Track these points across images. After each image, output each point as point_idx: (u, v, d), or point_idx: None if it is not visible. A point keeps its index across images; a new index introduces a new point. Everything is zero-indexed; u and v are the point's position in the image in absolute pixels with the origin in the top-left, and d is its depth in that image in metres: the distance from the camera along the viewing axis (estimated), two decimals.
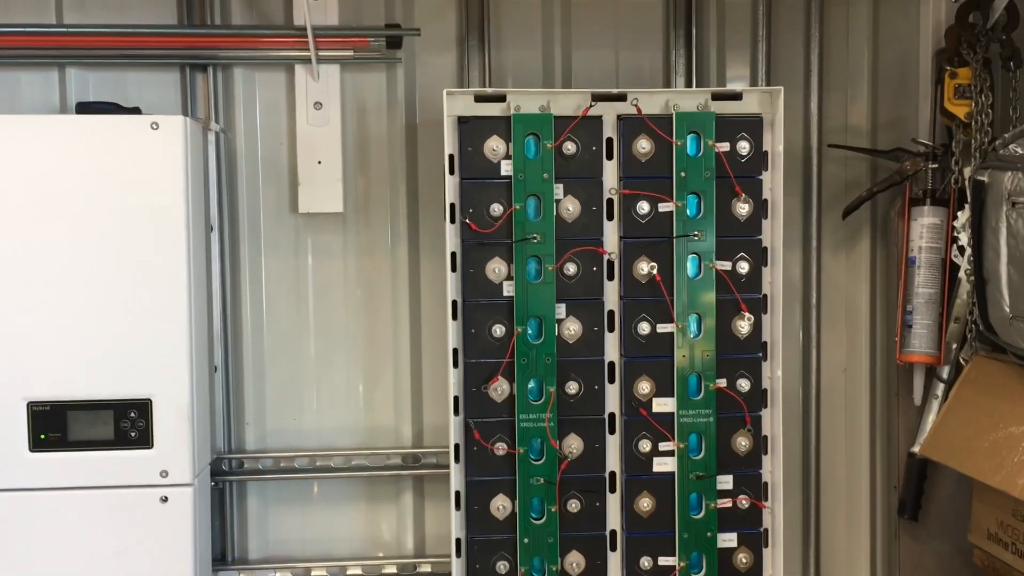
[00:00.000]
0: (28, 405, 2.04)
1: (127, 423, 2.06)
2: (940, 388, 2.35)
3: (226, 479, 2.39)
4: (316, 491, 2.46)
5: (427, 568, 2.43)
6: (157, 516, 2.07)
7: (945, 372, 2.34)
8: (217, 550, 2.39)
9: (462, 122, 2.06)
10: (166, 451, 2.07)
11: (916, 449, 2.37)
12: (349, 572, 2.42)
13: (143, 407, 2.06)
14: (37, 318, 2.03)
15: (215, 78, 2.36)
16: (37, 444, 2.04)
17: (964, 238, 2.23)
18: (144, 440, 2.06)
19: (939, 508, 2.43)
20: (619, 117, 2.08)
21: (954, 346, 2.33)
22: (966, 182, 2.19)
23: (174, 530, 2.08)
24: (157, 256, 2.04)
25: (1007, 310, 1.98)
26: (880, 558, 2.54)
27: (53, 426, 2.04)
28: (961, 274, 2.29)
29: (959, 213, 2.27)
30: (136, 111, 2.18)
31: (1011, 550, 2.09)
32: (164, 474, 2.07)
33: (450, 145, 2.07)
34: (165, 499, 2.07)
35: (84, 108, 2.18)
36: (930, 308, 2.32)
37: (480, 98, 2.08)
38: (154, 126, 2.03)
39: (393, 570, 2.43)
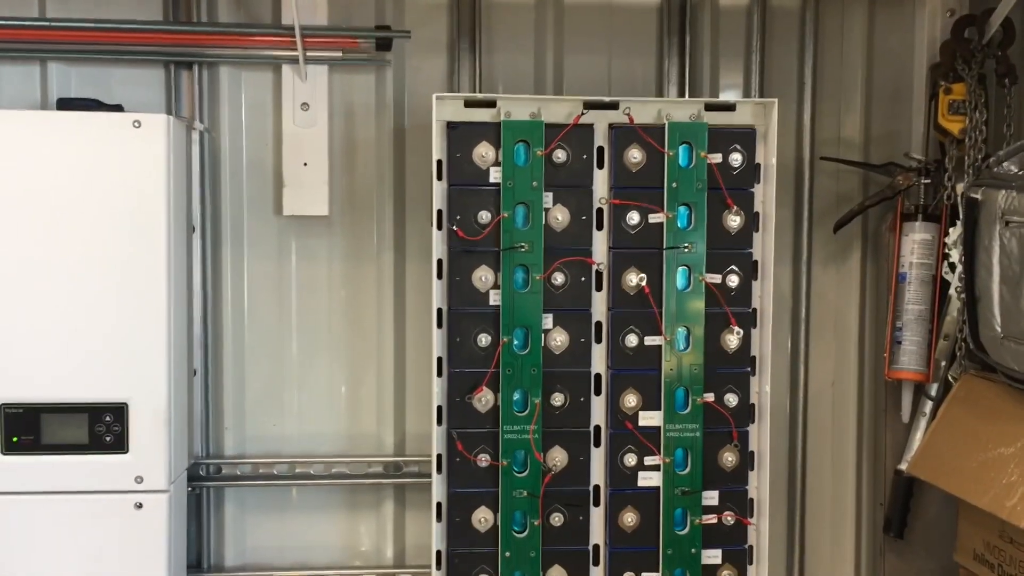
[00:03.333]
0: (1, 407, 1.99)
1: (102, 427, 2.01)
2: (928, 406, 2.33)
3: (203, 484, 2.35)
4: (295, 498, 2.42)
5: None
6: (131, 522, 2.03)
7: (933, 390, 2.32)
8: (193, 556, 2.35)
9: (451, 127, 2.03)
10: (142, 456, 2.03)
11: (903, 467, 2.35)
12: None
13: (119, 411, 2.01)
14: (11, 318, 1.99)
15: (200, 76, 2.31)
16: (10, 447, 2.00)
17: (955, 255, 2.21)
18: (119, 445, 2.02)
19: (925, 526, 2.41)
20: (611, 126, 2.05)
21: (943, 364, 2.31)
22: (959, 199, 2.17)
23: (148, 536, 2.04)
24: (136, 256, 2.00)
25: (998, 329, 1.96)
26: (865, 575, 2.51)
27: (26, 429, 2.00)
28: (952, 291, 2.27)
29: (951, 230, 2.25)
30: (119, 108, 2.14)
31: (997, 572, 2.07)
32: (139, 480, 2.03)
33: (438, 150, 2.04)
34: (140, 505, 2.03)
35: (65, 104, 2.13)
36: (920, 325, 2.30)
37: (470, 103, 2.05)
38: (136, 124, 1.99)
39: None
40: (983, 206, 1.99)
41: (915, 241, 2.31)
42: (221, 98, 2.34)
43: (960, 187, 2.21)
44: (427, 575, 2.14)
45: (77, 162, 1.99)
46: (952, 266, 2.24)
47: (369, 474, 2.39)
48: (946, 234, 2.28)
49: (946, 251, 2.27)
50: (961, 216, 2.10)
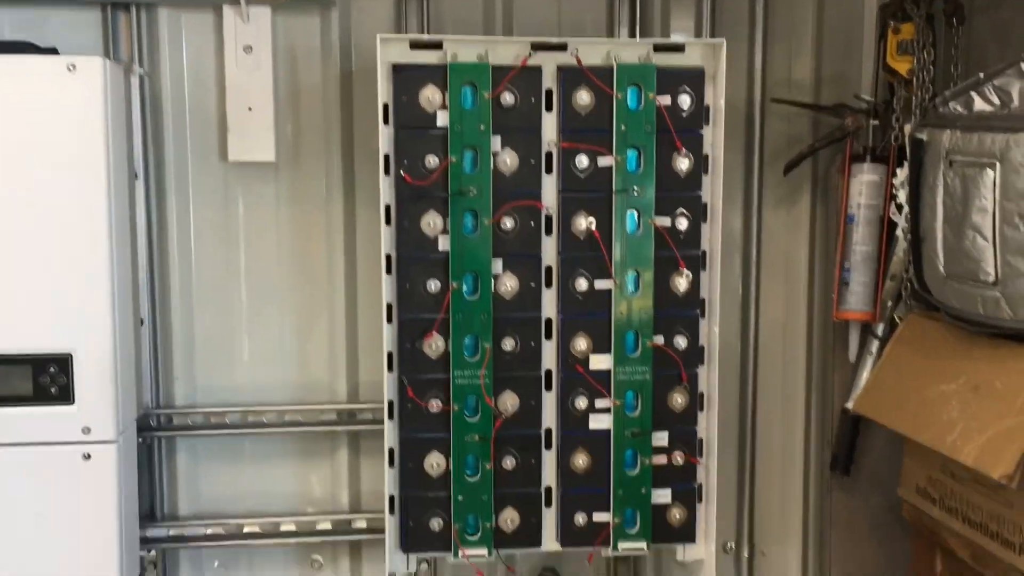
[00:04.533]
0: None
1: (47, 378, 1.98)
2: (875, 345, 2.36)
3: (155, 435, 2.33)
4: (248, 447, 2.40)
5: (362, 524, 2.40)
6: (80, 474, 2.01)
7: (880, 330, 2.35)
8: (146, 506, 2.34)
9: (397, 70, 2.00)
10: (88, 407, 2.00)
11: (850, 405, 2.39)
12: (283, 528, 2.38)
13: (63, 362, 1.98)
14: None
15: (139, 18, 2.24)
16: None
17: (903, 196, 2.23)
18: (65, 396, 1.99)
19: (871, 464, 2.46)
20: (559, 68, 2.03)
21: (889, 304, 2.34)
22: (906, 139, 2.18)
23: (98, 487, 2.02)
24: (76, 204, 1.95)
25: (941, 270, 1.98)
26: (812, 512, 2.57)
27: None
28: (899, 232, 2.28)
29: (899, 171, 2.27)
30: (53, 52, 2.06)
31: (939, 505, 2.12)
32: (86, 431, 2.01)
33: (384, 94, 2.00)
34: (88, 456, 2.01)
35: None
36: (867, 266, 2.33)
37: (416, 45, 2.02)
38: (71, 68, 1.93)
39: (327, 526, 2.40)
40: (928, 147, 2.00)
41: (863, 183, 2.32)
42: (161, 41, 2.27)
43: (908, 128, 2.21)
44: (381, 520, 2.15)
45: (11, 107, 1.92)
46: (899, 207, 2.26)
47: (322, 421, 2.39)
48: (894, 175, 2.29)
49: (894, 192, 2.29)
50: (908, 157, 2.11)
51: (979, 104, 1.92)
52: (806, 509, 2.57)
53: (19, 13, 2.21)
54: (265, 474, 2.41)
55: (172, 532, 2.34)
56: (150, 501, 2.36)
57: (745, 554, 2.53)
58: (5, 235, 1.94)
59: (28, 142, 1.93)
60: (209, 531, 2.36)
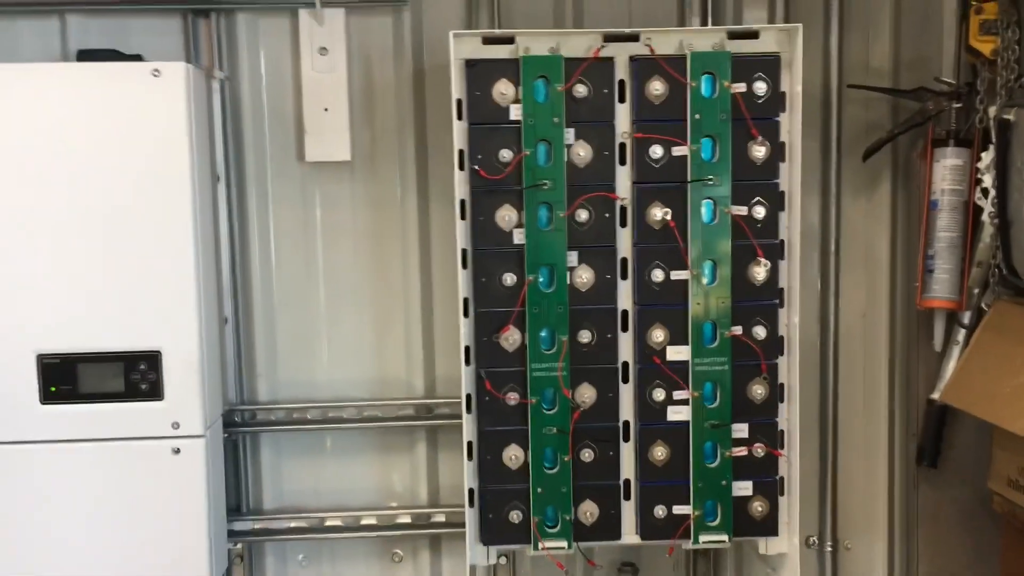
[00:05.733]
0: (38, 358, 2.03)
1: (137, 375, 2.05)
2: (961, 334, 2.30)
3: (239, 431, 2.39)
4: (329, 442, 2.45)
5: (441, 518, 2.42)
6: (169, 468, 2.07)
7: (966, 318, 2.29)
8: (232, 501, 2.39)
9: (470, 65, 2.01)
10: (177, 403, 2.06)
11: (936, 396, 2.34)
12: (363, 522, 2.42)
13: (153, 359, 2.04)
14: (44, 271, 2.02)
15: (218, 24, 2.30)
16: (48, 397, 2.04)
17: (988, 180, 2.17)
18: (155, 392, 2.05)
19: (958, 455, 2.40)
20: (631, 58, 2.02)
21: (976, 291, 2.27)
22: (991, 121, 2.12)
23: (187, 481, 2.09)
24: (162, 206, 2.02)
25: None
26: (898, 506, 2.51)
27: (64, 379, 2.04)
28: (984, 217, 2.22)
29: (983, 154, 2.20)
30: (138, 58, 2.13)
31: None
32: (176, 426, 2.07)
33: (458, 90, 2.02)
34: (177, 451, 2.07)
35: (85, 56, 2.13)
36: (952, 252, 2.27)
37: (488, 40, 2.03)
38: (156, 73, 1.99)
39: (407, 520, 2.43)
40: (1015, 127, 1.95)
41: (947, 167, 2.27)
42: (239, 45, 2.32)
43: (992, 110, 2.15)
44: (461, 514, 2.17)
45: (99, 113, 1.99)
46: (985, 191, 2.20)
47: (401, 416, 2.42)
48: (978, 159, 2.23)
49: (978, 176, 2.22)
50: (993, 139, 2.05)
51: None
52: (891, 502, 2.52)
53: (104, 22, 2.28)
54: (346, 469, 2.45)
55: (257, 526, 2.40)
56: (236, 496, 2.41)
57: (828, 548, 2.49)
58: (96, 237, 2.01)
59: (115, 147, 2.00)
60: (293, 524, 2.41)
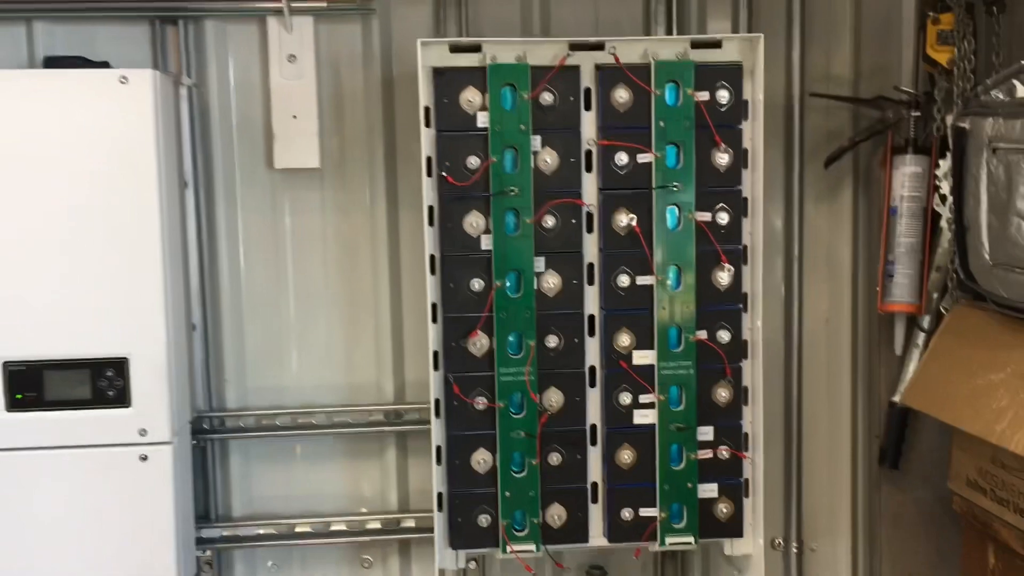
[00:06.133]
0: (4, 365, 2.02)
1: (104, 382, 2.04)
2: (921, 337, 2.35)
3: (207, 437, 2.38)
4: (299, 448, 2.45)
5: (411, 523, 2.43)
6: (137, 475, 2.07)
7: (926, 321, 2.34)
8: (200, 508, 2.39)
9: (437, 73, 2.03)
10: (144, 410, 2.06)
11: (897, 398, 2.38)
12: (333, 528, 2.43)
13: (119, 366, 2.04)
14: (11, 277, 2.00)
15: (186, 31, 2.31)
16: (14, 404, 2.03)
17: (946, 186, 2.22)
18: (121, 399, 2.05)
19: (920, 457, 2.44)
20: (597, 67, 2.05)
21: (935, 295, 2.32)
22: (948, 129, 2.17)
23: (154, 488, 2.08)
24: (129, 213, 2.02)
25: (987, 258, 1.97)
26: (861, 506, 2.55)
27: (29, 386, 2.03)
28: (943, 223, 2.27)
29: (941, 161, 2.25)
30: (105, 65, 2.13)
31: (990, 496, 2.11)
32: (143, 432, 2.06)
33: (425, 97, 2.04)
34: (144, 457, 2.07)
35: (52, 63, 2.13)
36: (911, 258, 2.31)
37: (455, 48, 2.05)
38: (123, 80, 1.99)
39: (377, 525, 2.43)
40: (971, 135, 1.99)
41: (906, 174, 2.31)
42: (208, 52, 2.33)
43: (950, 118, 2.20)
44: (430, 519, 2.18)
45: (66, 120, 1.99)
46: (943, 198, 2.25)
47: (370, 422, 2.43)
48: (936, 166, 2.28)
49: (937, 183, 2.28)
50: (950, 146, 2.10)
51: (1021, 91, 1.91)
52: (855, 503, 2.56)
53: (71, 28, 2.28)
54: (315, 475, 2.45)
55: (226, 533, 2.40)
56: (204, 503, 2.41)
57: (794, 549, 2.52)
58: (62, 244, 2.01)
59: (83, 153, 1.99)
60: (262, 531, 2.41)
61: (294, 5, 2.26)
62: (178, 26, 2.30)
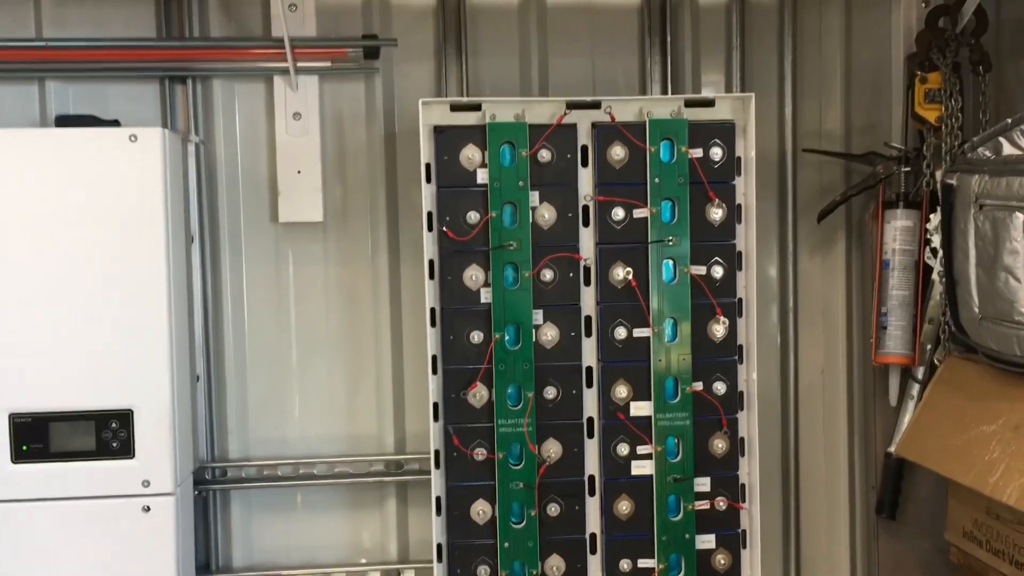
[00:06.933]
0: (10, 417, 2.05)
1: (109, 433, 2.07)
2: (915, 388, 2.38)
3: (209, 488, 2.40)
4: (300, 499, 2.47)
5: (410, 573, 2.44)
6: (140, 526, 2.08)
7: (920, 373, 2.37)
8: (201, 558, 2.40)
9: (438, 131, 2.09)
10: (148, 461, 2.08)
11: (892, 449, 2.40)
12: None
13: (124, 417, 2.07)
14: (18, 330, 2.04)
15: (194, 90, 2.37)
16: (19, 455, 2.05)
17: (936, 240, 2.26)
18: (126, 450, 2.07)
19: (917, 507, 2.46)
20: (593, 125, 2.11)
21: (928, 347, 2.35)
22: (937, 185, 2.22)
23: (157, 539, 2.10)
24: (137, 267, 2.06)
25: (976, 311, 2.01)
26: (860, 557, 2.56)
27: (35, 437, 2.05)
28: (934, 276, 2.31)
29: (931, 216, 2.30)
30: (115, 123, 2.19)
31: (986, 548, 2.12)
32: (146, 484, 2.08)
33: (426, 154, 2.10)
34: (147, 508, 2.09)
35: (63, 121, 2.19)
36: (904, 310, 2.35)
37: (456, 107, 2.11)
38: (132, 138, 2.05)
39: (376, 575, 2.45)
40: (958, 191, 2.04)
41: (897, 228, 2.36)
42: (215, 110, 2.39)
43: (939, 174, 2.25)
44: (430, 570, 2.20)
45: (77, 177, 2.04)
46: (934, 251, 2.29)
47: (371, 472, 2.45)
48: (927, 220, 2.32)
49: (927, 237, 2.32)
50: (939, 202, 2.15)
51: (1007, 148, 1.96)
52: (853, 554, 2.57)
53: (83, 87, 2.34)
54: (316, 525, 2.47)
55: None
56: (205, 553, 2.42)
57: None
58: (70, 296, 2.05)
59: (92, 209, 2.04)
60: None
61: (300, 65, 2.32)
62: (187, 85, 2.36)
